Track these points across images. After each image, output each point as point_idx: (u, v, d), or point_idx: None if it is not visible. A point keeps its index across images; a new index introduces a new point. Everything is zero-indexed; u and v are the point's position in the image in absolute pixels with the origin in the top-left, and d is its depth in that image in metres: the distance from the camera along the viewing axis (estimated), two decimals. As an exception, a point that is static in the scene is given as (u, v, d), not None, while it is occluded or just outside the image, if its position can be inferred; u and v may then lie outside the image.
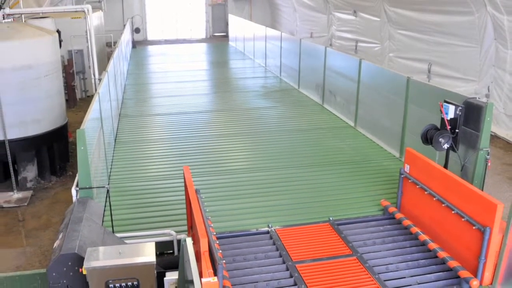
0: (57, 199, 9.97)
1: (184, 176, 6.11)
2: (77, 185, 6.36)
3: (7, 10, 10.79)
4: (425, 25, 15.26)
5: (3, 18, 10.53)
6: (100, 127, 8.23)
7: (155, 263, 5.05)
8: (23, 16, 13.66)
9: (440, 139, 6.91)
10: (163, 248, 6.47)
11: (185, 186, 6.06)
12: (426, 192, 6.26)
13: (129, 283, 4.99)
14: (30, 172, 10.44)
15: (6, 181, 10.49)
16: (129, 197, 7.87)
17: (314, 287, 5.38)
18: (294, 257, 5.96)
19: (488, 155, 6.88)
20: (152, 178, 8.64)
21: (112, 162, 9.36)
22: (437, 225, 6.10)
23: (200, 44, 29.19)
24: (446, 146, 6.95)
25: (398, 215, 6.82)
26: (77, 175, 6.43)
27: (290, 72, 16.51)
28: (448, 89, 7.96)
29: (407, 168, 6.74)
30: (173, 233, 6.51)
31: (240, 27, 25.33)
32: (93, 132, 7.32)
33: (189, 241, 4.85)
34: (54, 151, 10.91)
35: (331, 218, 6.89)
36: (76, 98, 16.99)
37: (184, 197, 6.67)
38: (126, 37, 21.00)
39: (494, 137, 12.30)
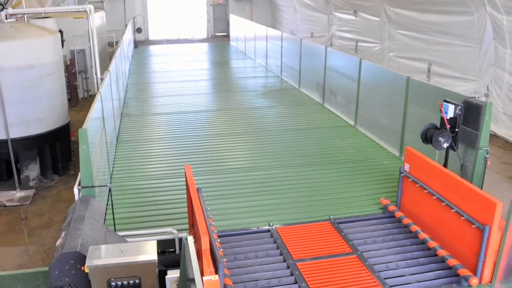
0: (59, 197, 9.97)
1: (185, 175, 6.14)
2: (79, 184, 6.39)
3: (10, 10, 10.79)
4: (424, 25, 15.26)
5: (6, 18, 10.53)
6: (102, 127, 8.25)
7: (156, 261, 5.07)
8: (25, 16, 13.71)
9: (440, 138, 6.93)
10: (164, 247, 6.51)
11: (187, 184, 6.09)
12: (425, 191, 6.28)
13: (131, 281, 5.01)
14: (32, 171, 10.45)
15: (9, 180, 10.49)
16: (130, 195, 7.89)
17: (315, 285, 5.40)
18: (295, 255, 5.99)
19: (487, 154, 6.90)
20: (153, 177, 8.67)
21: (114, 161, 9.39)
22: (436, 223, 6.13)
23: (201, 44, 29.20)
24: (445, 145, 6.97)
25: (398, 214, 6.85)
26: (79, 174, 6.46)
27: (290, 72, 16.53)
28: (448, 88, 7.97)
29: (407, 167, 6.76)
30: (175, 231, 6.53)
31: (241, 27, 25.35)
32: (95, 131, 7.35)
33: (190, 240, 4.87)
34: (57, 150, 10.92)
35: (331, 217, 6.92)
36: (78, 98, 17.00)
37: (185, 195, 6.70)
38: (128, 37, 21.02)
39: (493, 136, 12.30)
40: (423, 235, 6.21)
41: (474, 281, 5.36)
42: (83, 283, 5.07)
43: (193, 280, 4.37)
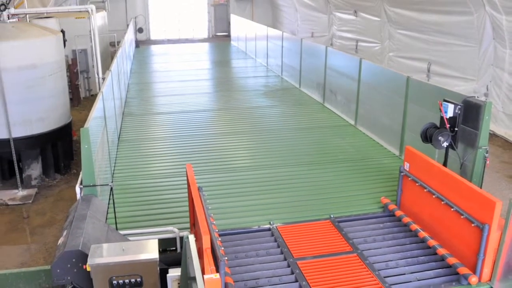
0: (61, 196, 10.00)
1: (186, 174, 6.15)
2: (81, 183, 6.40)
3: (12, 10, 10.80)
4: (424, 25, 15.28)
5: (8, 18, 10.54)
6: (104, 126, 8.27)
7: (158, 259, 5.09)
8: (27, 16, 13.71)
9: (440, 138, 6.94)
10: (166, 245, 6.52)
11: (188, 183, 6.09)
12: (425, 190, 6.28)
13: (133, 280, 5.03)
14: (34, 170, 10.49)
15: (11, 179, 10.52)
16: (132, 194, 7.92)
17: (315, 284, 5.41)
18: (295, 254, 6.00)
19: (486, 153, 6.91)
20: (155, 176, 8.69)
21: (115, 160, 9.42)
22: (436, 222, 6.13)
23: (203, 44, 29.22)
24: (445, 144, 6.98)
25: (398, 213, 6.86)
26: (81, 173, 6.47)
27: (291, 71, 16.55)
28: (447, 88, 7.97)
29: (406, 166, 6.76)
30: (176, 230, 6.55)
31: (242, 27, 25.36)
32: (97, 131, 7.36)
33: (191, 238, 4.88)
34: (59, 149, 10.95)
35: (332, 216, 6.93)
36: (80, 97, 17.04)
37: (186, 194, 6.72)
38: (130, 36, 21.05)
39: (493, 136, 12.32)
40: (423, 233, 6.22)
41: (473, 279, 5.37)
42: (85, 281, 5.08)
43: (194, 279, 4.40)
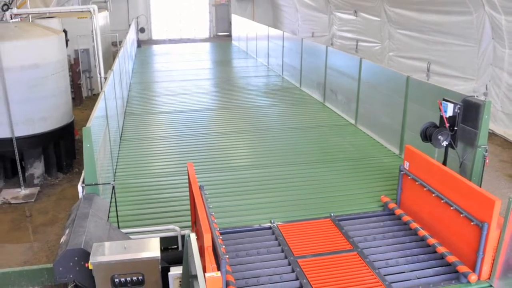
0: (63, 195, 10.04)
1: (188, 172, 6.18)
2: (83, 182, 6.43)
3: (15, 10, 10.84)
4: (424, 25, 15.29)
5: (11, 18, 10.59)
6: (106, 125, 8.29)
7: (159, 258, 5.11)
8: (30, 16, 13.75)
9: (439, 137, 6.95)
10: (167, 244, 6.53)
11: (189, 182, 6.12)
12: (425, 189, 6.31)
13: (134, 278, 5.06)
14: (37, 169, 10.53)
15: (14, 178, 10.57)
16: (134, 193, 7.93)
17: (316, 282, 5.43)
18: (296, 252, 6.02)
19: (486, 152, 6.91)
20: (156, 174, 8.71)
21: (117, 159, 9.44)
22: (436, 221, 6.15)
23: (204, 44, 29.23)
24: (445, 143, 6.99)
25: (398, 211, 6.88)
26: (83, 172, 6.49)
27: (292, 71, 16.56)
28: (447, 87, 7.96)
29: (406, 165, 6.78)
30: (177, 228, 6.56)
31: (243, 27, 25.36)
32: (99, 130, 7.38)
33: (193, 237, 4.92)
34: (61, 148, 10.98)
35: (332, 214, 6.95)
36: (82, 96, 17.09)
37: (188, 193, 6.74)
38: (131, 36, 21.07)
39: (492, 135, 12.33)
40: (422, 232, 6.24)
41: (473, 277, 5.39)
42: (87, 279, 5.12)
43: (195, 277, 4.43)
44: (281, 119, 12.13)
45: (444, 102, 7.16)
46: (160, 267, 5.16)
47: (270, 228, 6.66)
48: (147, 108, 13.51)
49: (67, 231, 5.62)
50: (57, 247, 6.45)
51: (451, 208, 5.79)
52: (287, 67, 17.14)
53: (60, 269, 5.12)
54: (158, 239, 5.36)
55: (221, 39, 31.76)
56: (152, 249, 5.16)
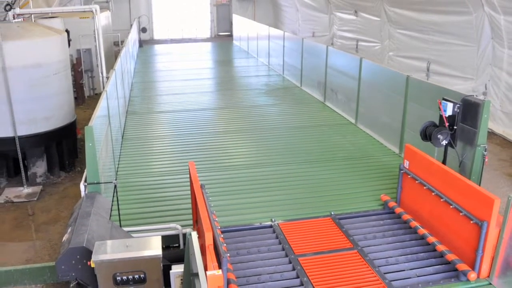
0: (66, 194, 10.05)
1: (189, 171, 6.21)
2: (85, 181, 6.45)
3: (17, 10, 10.88)
4: (424, 25, 15.31)
5: (14, 18, 10.61)
6: (108, 124, 8.32)
7: (161, 256, 5.12)
8: (32, 16, 13.79)
9: (439, 136, 6.97)
10: (169, 242, 6.55)
11: (190, 181, 6.15)
12: (425, 187, 6.34)
13: (136, 276, 5.07)
14: (39, 167, 10.55)
15: (17, 177, 10.59)
16: (136, 192, 7.97)
17: (316, 280, 5.46)
18: (297, 250, 6.04)
19: (485, 151, 6.92)
20: (158, 173, 8.74)
21: (119, 158, 9.47)
22: (435, 219, 6.18)
23: (205, 43, 29.24)
24: (444, 142, 7.00)
25: (398, 210, 6.90)
26: (85, 170, 6.53)
27: (292, 71, 16.59)
28: (447, 87, 7.96)
29: (406, 164, 6.81)
30: (179, 227, 6.58)
31: (244, 27, 25.40)
32: (101, 129, 7.41)
33: (194, 235, 4.93)
34: (63, 147, 11.00)
35: (332, 213, 6.98)
36: (85, 96, 17.11)
37: (189, 192, 6.77)
38: (133, 36, 21.10)
39: (491, 134, 12.33)
40: (422, 230, 6.27)
41: (472, 275, 5.42)
42: (89, 277, 5.13)
43: (197, 275, 4.43)
44: (282, 118, 12.16)
45: (443, 101, 7.18)
46: (161, 265, 5.17)
47: (271, 226, 6.69)
48: (149, 107, 13.55)
49: (69, 230, 5.64)
50: (60, 245, 6.43)
51: (451, 206, 5.81)
52: (288, 67, 17.17)
53: (62, 267, 5.13)
54: (159, 238, 5.37)
55: (222, 39, 31.79)
56: (153, 248, 5.17)
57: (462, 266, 5.52)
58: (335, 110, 12.74)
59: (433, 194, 6.18)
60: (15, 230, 8.62)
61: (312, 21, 25.48)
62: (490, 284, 5.46)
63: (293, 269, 5.71)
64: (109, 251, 5.07)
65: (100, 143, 7.01)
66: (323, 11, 23.82)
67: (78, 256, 5.13)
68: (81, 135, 12.25)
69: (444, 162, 7.16)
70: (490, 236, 5.32)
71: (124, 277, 5.06)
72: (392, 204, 7.09)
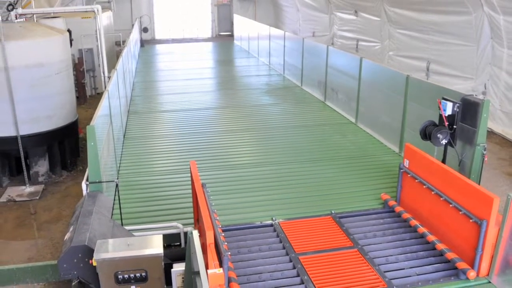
0: (68, 193, 10.08)
1: (190, 170, 6.22)
2: (87, 180, 6.47)
3: (20, 10, 10.89)
4: (424, 25, 15.31)
5: (16, 18, 10.63)
6: (110, 124, 8.34)
7: (162, 255, 5.15)
8: (35, 16, 13.79)
9: (438, 135, 6.98)
10: (170, 241, 6.58)
11: (192, 180, 6.17)
12: (424, 186, 6.36)
13: (138, 274, 5.10)
14: (41, 166, 10.58)
15: (19, 176, 10.61)
16: (137, 191, 8.00)
17: (316, 278, 5.48)
18: (297, 249, 6.07)
19: (484, 150, 6.94)
20: (159, 172, 8.78)
21: (121, 157, 9.50)
22: (435, 218, 6.20)
23: (206, 43, 29.26)
24: (444, 141, 7.02)
25: (398, 209, 6.93)
26: (87, 169, 6.54)
27: (293, 70, 16.60)
28: (446, 86, 7.97)
29: (406, 163, 6.83)
30: (180, 226, 6.60)
31: (245, 27, 25.40)
32: (103, 128, 7.44)
33: (195, 234, 4.93)
34: (65, 147, 11.02)
35: (333, 211, 7.00)
36: (86, 95, 17.14)
37: (190, 191, 6.78)
38: (135, 36, 21.12)
39: (491, 133, 12.32)
40: (422, 229, 6.29)
41: (471, 274, 5.45)
42: (91, 276, 5.16)
43: (198, 273, 4.44)
44: (283, 118, 12.19)
45: (443, 100, 7.20)
46: (163, 263, 5.19)
47: (271, 225, 6.72)
48: (150, 106, 13.58)
49: (71, 228, 5.66)
50: (61, 244, 6.47)
51: (450, 205, 5.83)
52: (289, 66, 17.19)
53: (64, 265, 5.16)
54: (161, 236, 5.39)
55: (223, 38, 31.80)
56: (155, 246, 5.19)
57: (461, 265, 5.54)
58: (335, 109, 12.76)
59: (432, 193, 6.19)
60: (18, 229, 8.65)
61: (313, 21, 25.49)
62: (490, 282, 5.47)
63: (294, 268, 5.73)
64: (110, 250, 5.08)
65: (101, 142, 7.03)
66: (324, 11, 23.83)
67: (80, 255, 5.15)
68: (83, 134, 12.27)
69: (443, 161, 7.17)
70: (490, 234, 5.34)
71: (126, 276, 5.08)
72: (392, 203, 7.11)
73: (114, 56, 20.43)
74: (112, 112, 8.73)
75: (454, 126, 7.13)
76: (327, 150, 9.78)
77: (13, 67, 9.71)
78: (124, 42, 19.43)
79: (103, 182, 6.62)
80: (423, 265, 5.77)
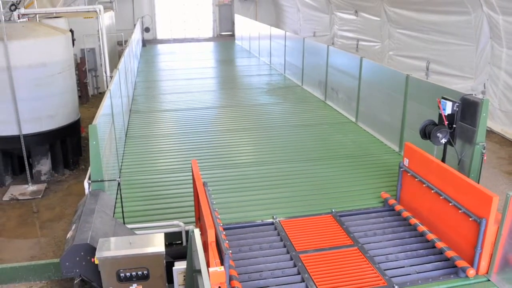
0: (70, 191, 10.10)
1: (192, 169, 6.25)
2: (89, 178, 6.50)
3: (22, 10, 10.92)
4: (423, 25, 15.31)
5: (18, 18, 10.67)
6: (112, 123, 8.37)
7: (164, 253, 5.18)
8: (37, 16, 13.80)
9: (438, 134, 7.00)
10: (172, 239, 6.62)
11: (193, 179, 6.19)
12: (424, 185, 6.39)
13: (139, 272, 5.14)
14: (44, 165, 10.60)
15: (21, 174, 10.64)
16: (139, 189, 8.03)
17: (317, 276, 5.52)
18: (298, 247, 6.11)
19: (484, 149, 6.97)
20: (161, 171, 8.81)
21: (123, 156, 9.55)
22: (435, 216, 6.23)
23: (208, 43, 29.26)
24: (443, 140, 7.04)
25: (398, 207, 6.96)
26: (89, 168, 6.57)
27: (294, 70, 16.63)
28: (446, 86, 8.00)
29: (406, 162, 6.86)
30: (182, 224, 6.64)
31: (246, 27, 25.41)
32: (105, 127, 7.47)
33: (197, 232, 4.91)
34: (68, 146, 11.04)
35: (333, 210, 7.04)
36: (89, 95, 17.17)
37: (192, 189, 6.81)
38: (136, 36, 21.15)
39: (490, 132, 12.32)
40: (422, 227, 6.32)
41: (471, 272, 5.48)
42: (93, 274, 5.19)
43: (199, 271, 4.45)
44: (283, 117, 12.22)
45: (443, 100, 7.22)
46: (164, 262, 5.22)
47: (272, 223, 6.75)
48: (152, 106, 13.61)
49: (73, 227, 5.69)
50: (64, 242, 6.50)
51: (450, 204, 5.86)
52: (289, 66, 17.21)
53: (67, 264, 5.18)
54: (162, 235, 5.43)
55: (225, 38, 31.81)
56: (156, 244, 5.22)
57: (461, 263, 5.57)
58: (335, 108, 12.79)
59: (432, 191, 6.22)
60: (20, 227, 8.67)
61: (313, 21, 25.49)
62: (489, 280, 5.51)
63: (294, 266, 5.76)
64: (112, 248, 5.11)
65: (104, 141, 7.05)
66: (324, 11, 23.84)
67: (82, 253, 5.18)
68: (85, 133, 12.29)
69: (443, 160, 7.20)
70: (489, 233, 5.36)
71: (128, 274, 5.11)
72: (392, 201, 7.14)
73: (116, 55, 20.45)
74: (114, 111, 8.75)
75: (454, 125, 7.15)
76: (327, 149, 9.81)
77: (16, 67, 9.74)
78: (126, 42, 19.47)
79: (105, 180, 6.65)
80: (423, 263, 5.79)
